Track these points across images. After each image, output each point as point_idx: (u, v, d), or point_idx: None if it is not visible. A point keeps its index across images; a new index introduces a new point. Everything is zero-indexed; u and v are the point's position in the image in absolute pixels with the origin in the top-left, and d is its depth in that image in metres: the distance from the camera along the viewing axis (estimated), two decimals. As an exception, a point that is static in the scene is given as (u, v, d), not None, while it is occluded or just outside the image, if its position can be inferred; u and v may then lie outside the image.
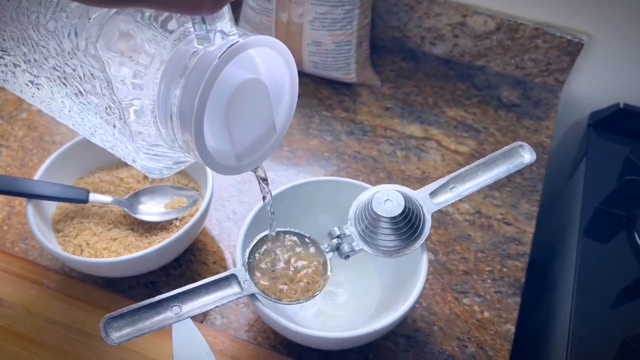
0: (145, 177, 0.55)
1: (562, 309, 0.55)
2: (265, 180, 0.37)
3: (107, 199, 0.51)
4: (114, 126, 0.31)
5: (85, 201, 0.49)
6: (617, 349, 0.48)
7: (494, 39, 0.73)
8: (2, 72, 0.36)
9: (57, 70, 0.31)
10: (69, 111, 0.34)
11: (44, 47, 0.31)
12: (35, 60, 0.32)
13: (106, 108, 0.30)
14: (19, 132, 0.65)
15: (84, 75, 0.29)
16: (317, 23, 0.67)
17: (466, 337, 0.49)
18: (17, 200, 0.58)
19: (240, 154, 0.32)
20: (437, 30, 0.76)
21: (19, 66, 0.34)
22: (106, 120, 0.31)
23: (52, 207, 0.52)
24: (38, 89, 0.34)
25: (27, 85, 0.35)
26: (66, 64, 0.30)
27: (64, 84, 0.32)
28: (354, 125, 0.68)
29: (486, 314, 0.50)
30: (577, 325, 0.50)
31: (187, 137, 0.28)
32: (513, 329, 0.50)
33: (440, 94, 0.73)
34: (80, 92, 0.31)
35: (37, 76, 0.33)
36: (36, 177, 0.50)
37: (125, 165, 0.56)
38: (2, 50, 0.34)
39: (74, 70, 0.30)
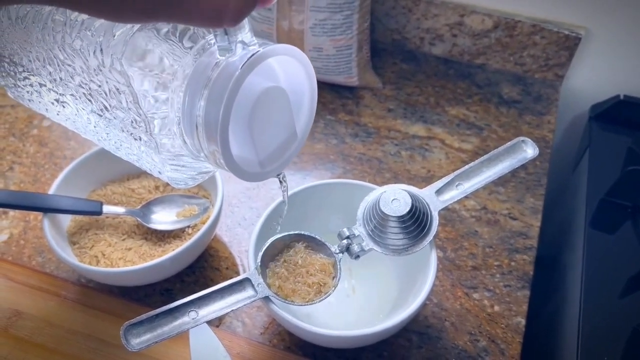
0: (157, 187, 0.56)
1: (572, 301, 0.55)
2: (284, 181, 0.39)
3: (120, 210, 0.52)
4: (140, 139, 0.32)
5: (100, 213, 0.51)
6: (627, 337, 0.49)
7: (493, 37, 0.74)
8: (28, 92, 0.37)
9: (83, 88, 0.32)
10: (94, 127, 0.35)
11: (69, 65, 0.32)
12: (60, 79, 0.33)
13: (132, 122, 0.31)
14: (30, 149, 0.67)
15: (109, 90, 0.31)
16: (318, 29, 0.68)
17: (478, 332, 0.49)
18: (32, 215, 0.59)
19: (264, 160, 0.33)
20: (436, 31, 0.77)
21: (45, 85, 0.35)
22: (132, 133, 0.32)
23: (67, 220, 0.53)
24: (63, 107, 0.36)
25: (53, 103, 0.36)
26: (92, 80, 0.31)
27: (89, 100, 0.33)
28: (358, 128, 0.69)
29: (496, 308, 0.51)
30: (587, 316, 0.51)
31: (213, 147, 0.29)
32: (524, 321, 0.50)
33: (442, 94, 0.74)
34: (105, 107, 0.32)
35: (63, 94, 0.34)
36: (51, 191, 0.51)
37: (136, 176, 0.57)
38: (28, 71, 0.35)
39: (100, 86, 0.31)
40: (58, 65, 0.32)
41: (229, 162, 0.29)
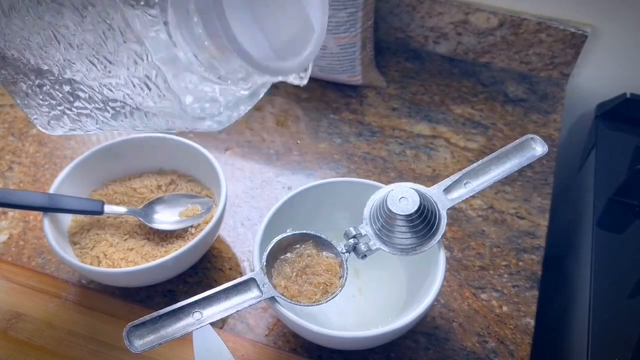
0: (159, 187, 0.55)
1: (581, 301, 0.54)
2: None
3: (121, 209, 0.51)
4: (155, 76, 0.30)
5: (101, 212, 0.50)
6: (638, 337, 0.48)
7: (498, 35, 0.73)
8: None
9: (85, 50, 0.31)
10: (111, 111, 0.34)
11: (66, 28, 0.31)
12: (65, 49, 0.32)
13: (135, 52, 0.30)
14: (30, 149, 0.66)
15: (108, 29, 0.29)
16: (321, 27, 0.67)
17: (486, 333, 0.49)
18: (32, 216, 0.58)
19: (280, 51, 0.31)
20: (440, 29, 0.76)
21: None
22: (145, 83, 0.31)
23: (67, 220, 0.52)
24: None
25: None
26: (92, 28, 0.30)
27: (93, 64, 0.32)
28: (362, 127, 0.68)
29: (505, 309, 0.50)
30: (597, 316, 0.50)
31: (216, 39, 0.27)
32: (533, 322, 0.49)
33: (447, 92, 0.73)
34: (109, 61, 0.31)
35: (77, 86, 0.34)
36: (51, 190, 0.50)
37: (138, 176, 0.56)
38: (37, 73, 0.35)
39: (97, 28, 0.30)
40: (56, 38, 0.31)
41: (234, 44, 0.28)
